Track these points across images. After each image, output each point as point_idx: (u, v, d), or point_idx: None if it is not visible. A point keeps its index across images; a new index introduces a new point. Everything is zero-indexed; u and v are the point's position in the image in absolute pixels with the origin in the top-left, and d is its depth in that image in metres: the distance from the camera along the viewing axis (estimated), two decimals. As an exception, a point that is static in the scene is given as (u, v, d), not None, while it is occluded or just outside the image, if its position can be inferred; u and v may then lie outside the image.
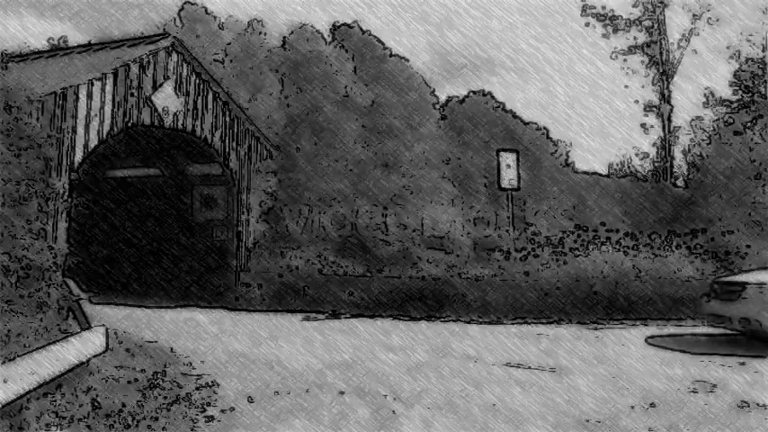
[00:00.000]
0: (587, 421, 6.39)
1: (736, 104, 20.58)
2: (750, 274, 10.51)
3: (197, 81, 14.99)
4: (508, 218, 16.27)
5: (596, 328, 11.87)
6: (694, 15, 22.37)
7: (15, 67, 13.54)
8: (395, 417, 6.53)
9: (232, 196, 16.00)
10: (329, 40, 19.41)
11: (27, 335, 6.90)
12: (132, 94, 13.60)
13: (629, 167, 22.99)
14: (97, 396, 6.49)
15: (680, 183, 21.40)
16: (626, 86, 22.86)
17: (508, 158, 15.91)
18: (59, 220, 11.63)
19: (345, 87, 18.43)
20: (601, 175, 21.24)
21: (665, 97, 22.52)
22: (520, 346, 10.11)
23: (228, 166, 15.80)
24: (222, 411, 6.62)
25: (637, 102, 22.84)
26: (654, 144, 22.76)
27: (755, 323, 9.55)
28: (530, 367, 8.60)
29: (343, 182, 17.32)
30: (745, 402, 7.00)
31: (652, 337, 10.87)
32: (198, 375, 7.98)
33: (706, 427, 6.29)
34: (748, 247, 15.60)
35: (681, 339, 10.72)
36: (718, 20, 22.04)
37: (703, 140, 21.37)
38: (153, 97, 14.01)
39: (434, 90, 19.84)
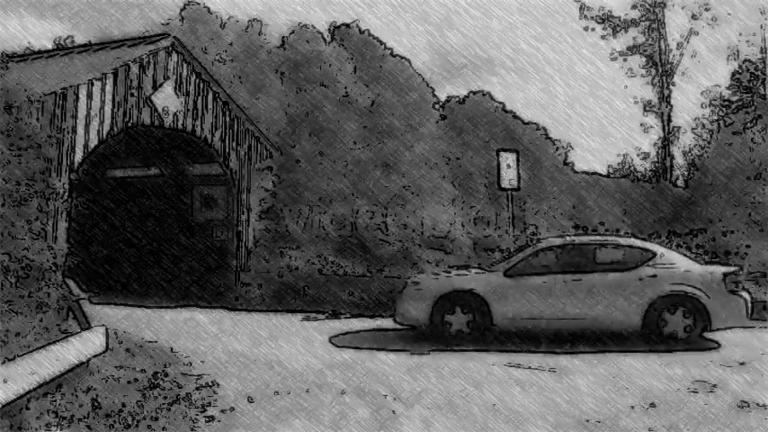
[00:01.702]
0: (587, 421, 6.39)
1: (735, 105, 20.58)
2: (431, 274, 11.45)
3: (197, 81, 14.99)
4: (508, 218, 16.27)
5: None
6: (693, 15, 22.38)
7: (15, 67, 13.54)
8: (395, 417, 6.53)
9: (232, 196, 16.00)
10: (329, 40, 19.42)
11: (27, 335, 6.90)
12: (132, 94, 13.60)
13: (629, 167, 23.00)
14: (97, 396, 6.49)
15: (680, 183, 21.41)
16: (626, 87, 22.87)
17: (508, 158, 15.90)
18: (59, 220, 11.62)
19: (345, 87, 18.44)
20: (601, 175, 21.26)
21: (665, 97, 22.53)
22: (520, 345, 10.11)
23: (228, 166, 15.80)
24: (222, 411, 6.62)
25: (636, 102, 22.85)
26: (654, 144, 22.77)
27: (402, 317, 10.51)
28: (530, 367, 8.60)
29: (343, 182, 17.33)
30: (745, 402, 7.00)
31: (337, 336, 11.03)
32: (198, 375, 7.99)
33: (706, 427, 6.29)
34: (748, 247, 15.61)
35: (362, 336, 11.07)
36: (716, 19, 22.04)
37: (704, 140, 21.38)
38: (153, 97, 14.01)
39: (434, 90, 19.86)
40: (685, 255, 10.80)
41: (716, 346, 9.92)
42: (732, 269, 10.07)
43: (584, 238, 10.86)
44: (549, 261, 10.26)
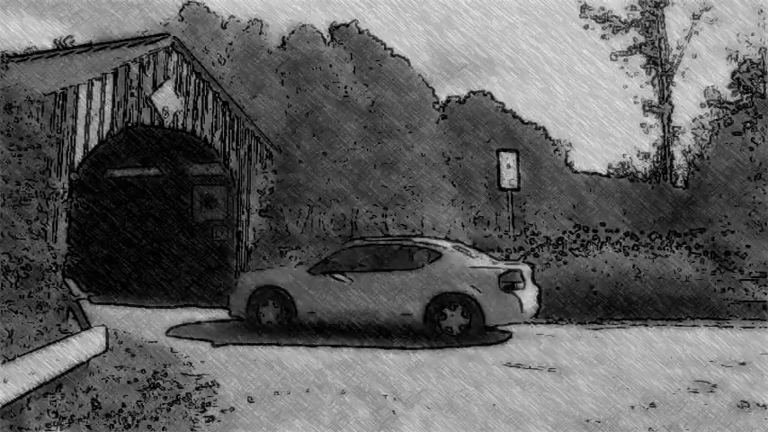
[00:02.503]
0: (587, 421, 6.39)
1: (735, 105, 20.58)
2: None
3: (197, 81, 14.99)
4: (508, 218, 16.28)
5: (596, 329, 11.89)
6: (694, 15, 22.38)
7: (15, 67, 13.53)
8: (395, 417, 6.54)
9: (232, 196, 16.00)
10: (329, 40, 19.43)
11: (27, 335, 6.90)
12: (132, 94, 13.60)
13: (629, 167, 23.00)
14: (97, 396, 6.49)
15: (680, 183, 21.42)
16: (625, 86, 22.87)
17: (508, 158, 15.91)
18: (59, 220, 11.63)
19: (345, 87, 18.44)
20: (601, 175, 21.28)
21: (665, 97, 22.53)
22: (520, 345, 10.12)
23: (228, 166, 15.80)
24: (222, 411, 6.62)
25: (636, 101, 22.85)
26: (654, 144, 22.78)
27: (231, 309, 11.56)
28: (530, 367, 8.60)
29: (343, 182, 17.33)
30: (745, 402, 7.00)
31: (174, 327, 11.65)
32: (198, 375, 7.99)
33: (706, 427, 6.30)
34: (748, 247, 15.60)
35: (199, 327, 11.83)
36: (715, 20, 22.04)
37: (703, 140, 21.39)
38: (153, 97, 14.01)
39: (434, 90, 19.88)
40: (477, 255, 11.36)
41: (507, 337, 10.71)
42: (508, 269, 10.48)
43: (382, 240, 11.64)
44: (350, 260, 11.05)
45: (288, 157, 17.22)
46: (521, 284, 10.40)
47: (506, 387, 7.59)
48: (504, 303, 10.16)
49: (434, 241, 11.31)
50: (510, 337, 10.75)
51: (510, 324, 10.62)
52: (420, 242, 11.10)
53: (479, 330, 10.21)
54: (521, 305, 10.22)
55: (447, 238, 13.27)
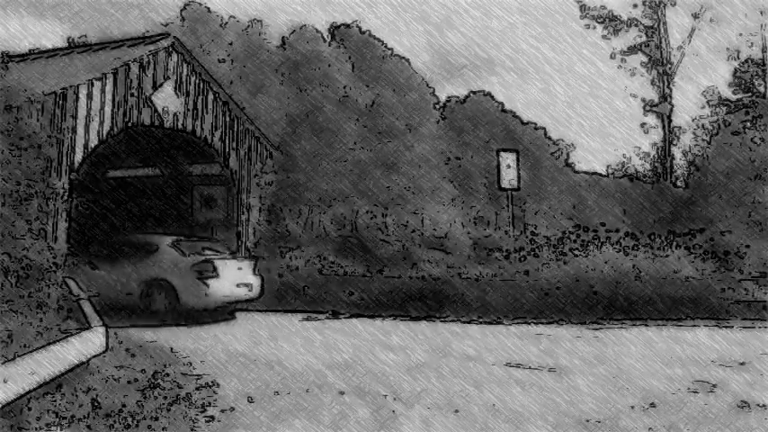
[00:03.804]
0: (587, 421, 6.39)
1: (735, 105, 20.58)
2: None
3: (197, 81, 14.98)
4: (508, 218, 16.28)
5: (596, 329, 11.89)
6: (694, 15, 22.38)
7: (15, 67, 13.54)
8: (395, 417, 6.54)
9: (232, 196, 16.00)
10: (329, 40, 19.42)
11: (27, 335, 6.90)
12: (132, 94, 13.60)
13: (629, 167, 22.99)
14: (97, 396, 6.49)
15: (680, 183, 21.41)
16: (625, 87, 22.86)
17: (508, 158, 15.91)
18: (59, 220, 11.64)
19: (345, 87, 18.43)
20: (601, 175, 21.27)
21: (666, 97, 22.53)
22: (520, 346, 10.12)
23: (228, 166, 15.80)
24: (222, 411, 6.62)
25: (635, 99, 22.84)
26: (654, 144, 22.77)
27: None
28: (530, 367, 8.60)
29: (343, 182, 17.33)
30: (745, 402, 7.00)
31: None
32: (198, 375, 7.99)
33: (706, 427, 6.29)
34: (747, 247, 15.60)
35: None
36: (712, 21, 22.04)
37: (704, 140, 21.39)
38: (153, 97, 14.01)
39: (434, 90, 19.87)
40: (213, 249, 13.32)
41: (232, 318, 12.96)
42: (200, 261, 12.43)
43: (126, 235, 13.99)
44: (106, 251, 13.17)
45: (288, 157, 17.22)
46: (212, 274, 12.31)
47: (506, 387, 7.59)
48: (193, 289, 12.22)
49: (158, 237, 13.31)
50: (233, 319, 12.85)
51: (201, 309, 12.45)
52: (145, 237, 13.32)
53: (179, 309, 12.24)
54: (207, 291, 12.24)
55: (188, 235, 14.93)
